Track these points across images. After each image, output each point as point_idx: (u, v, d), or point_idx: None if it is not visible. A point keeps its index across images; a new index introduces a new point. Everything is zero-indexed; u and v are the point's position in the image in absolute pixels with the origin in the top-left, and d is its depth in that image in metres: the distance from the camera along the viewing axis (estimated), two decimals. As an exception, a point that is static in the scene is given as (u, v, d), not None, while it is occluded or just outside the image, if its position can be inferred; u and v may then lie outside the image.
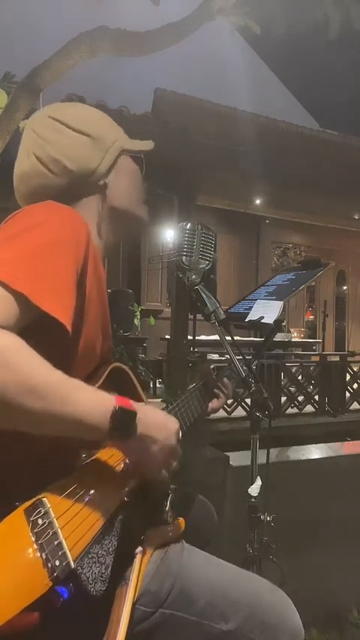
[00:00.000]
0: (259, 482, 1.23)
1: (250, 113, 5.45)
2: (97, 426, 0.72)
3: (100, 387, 0.87)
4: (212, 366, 1.34)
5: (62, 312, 0.73)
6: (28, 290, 0.70)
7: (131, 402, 0.77)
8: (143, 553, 0.81)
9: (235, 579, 0.93)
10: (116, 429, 0.73)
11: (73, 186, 0.95)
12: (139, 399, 1.01)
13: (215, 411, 1.32)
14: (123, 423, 0.74)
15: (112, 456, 0.85)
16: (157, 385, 5.22)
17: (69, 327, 0.74)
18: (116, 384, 0.95)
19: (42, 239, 0.76)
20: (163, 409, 1.02)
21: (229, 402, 4.05)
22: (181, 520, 0.94)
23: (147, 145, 1.06)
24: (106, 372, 0.89)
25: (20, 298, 0.70)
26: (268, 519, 1.22)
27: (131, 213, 1.03)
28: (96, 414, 0.72)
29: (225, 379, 1.32)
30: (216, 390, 1.30)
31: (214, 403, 1.31)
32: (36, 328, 0.72)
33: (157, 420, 0.83)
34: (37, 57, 2.85)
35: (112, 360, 0.95)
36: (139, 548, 0.81)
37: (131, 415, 0.76)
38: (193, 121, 4.88)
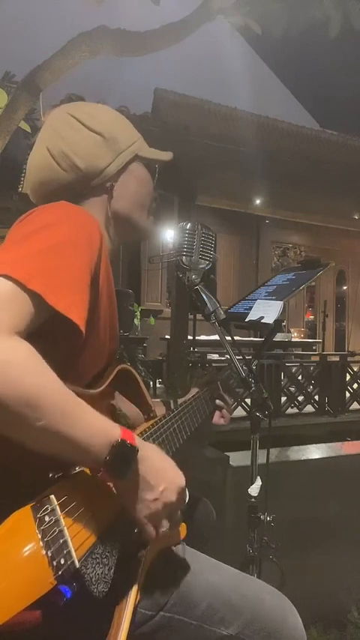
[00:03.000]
0: (259, 482, 1.23)
1: (250, 113, 5.45)
2: (94, 454, 0.68)
3: (106, 389, 0.86)
4: (217, 374, 1.28)
5: (77, 313, 0.71)
6: (43, 290, 0.68)
7: (136, 438, 0.72)
8: (145, 555, 0.81)
9: (237, 584, 0.93)
10: (113, 463, 0.69)
11: (81, 184, 0.94)
12: (145, 401, 1.01)
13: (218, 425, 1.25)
14: (121, 459, 0.69)
15: None
16: (157, 385, 5.22)
17: (83, 329, 0.72)
18: (122, 385, 0.94)
19: (56, 239, 0.75)
20: (165, 415, 1.01)
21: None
22: (183, 524, 0.93)
23: (165, 155, 1.04)
24: (113, 374, 0.89)
25: (35, 298, 0.68)
26: (268, 519, 1.22)
27: (133, 221, 1.00)
28: (96, 441, 0.68)
29: (229, 388, 1.26)
30: (219, 402, 1.25)
31: (217, 418, 1.25)
32: (46, 327, 0.71)
33: (161, 467, 0.75)
34: (37, 57, 2.85)
35: (116, 362, 0.94)
36: (142, 551, 0.80)
37: (132, 453, 0.70)
38: (193, 121, 4.89)
